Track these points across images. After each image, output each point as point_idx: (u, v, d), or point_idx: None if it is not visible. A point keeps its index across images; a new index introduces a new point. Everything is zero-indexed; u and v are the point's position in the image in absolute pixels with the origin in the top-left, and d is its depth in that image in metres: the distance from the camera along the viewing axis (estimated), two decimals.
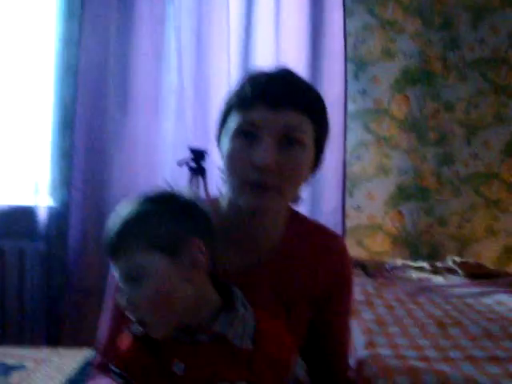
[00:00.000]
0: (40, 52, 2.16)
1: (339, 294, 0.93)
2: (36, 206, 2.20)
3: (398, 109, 2.34)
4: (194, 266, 0.72)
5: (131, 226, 0.71)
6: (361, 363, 1.04)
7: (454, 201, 2.38)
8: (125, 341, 0.76)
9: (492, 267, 2.04)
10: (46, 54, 2.16)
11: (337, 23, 2.13)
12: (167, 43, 2.16)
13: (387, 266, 1.87)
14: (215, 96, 2.10)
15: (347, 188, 2.27)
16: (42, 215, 2.21)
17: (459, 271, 1.84)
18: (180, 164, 1.80)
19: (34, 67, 2.17)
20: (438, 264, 1.95)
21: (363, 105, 2.33)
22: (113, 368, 0.76)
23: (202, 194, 1.67)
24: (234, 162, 0.79)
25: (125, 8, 2.10)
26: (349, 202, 2.29)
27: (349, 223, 2.30)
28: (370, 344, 1.11)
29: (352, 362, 1.07)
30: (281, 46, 2.12)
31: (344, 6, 2.12)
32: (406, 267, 1.88)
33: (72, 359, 1.57)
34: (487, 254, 2.34)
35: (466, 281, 1.75)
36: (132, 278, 0.70)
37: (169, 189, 0.77)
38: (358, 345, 1.12)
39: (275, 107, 0.76)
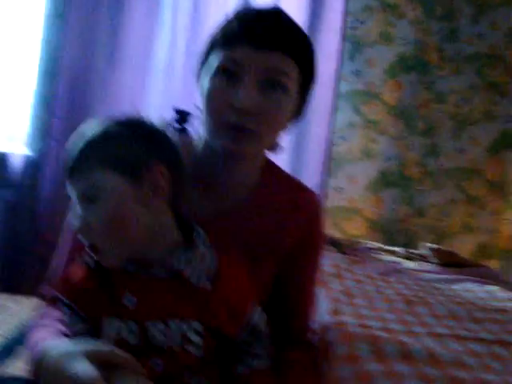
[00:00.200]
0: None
1: (307, 252, 0.91)
2: (10, 153, 2.13)
3: (390, 94, 2.32)
4: (155, 192, 0.68)
5: (93, 144, 0.68)
6: (323, 328, 1.02)
7: (434, 193, 2.37)
8: (76, 272, 0.73)
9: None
10: (33, 2, 2.08)
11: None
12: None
13: (360, 246, 1.86)
14: None
15: (330, 168, 2.24)
16: (16, 163, 2.14)
17: (432, 258, 1.83)
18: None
19: (21, 14, 2.09)
20: (412, 251, 1.95)
21: (355, 86, 2.30)
22: (62, 299, 0.72)
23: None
24: (213, 102, 0.76)
25: None
26: (331, 182, 2.27)
27: (328, 204, 2.28)
28: (335, 311, 1.09)
29: (315, 327, 1.05)
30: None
31: None
32: (379, 250, 1.87)
33: (29, 307, 1.53)
34: (462, 249, 2.34)
35: (437, 268, 1.74)
36: (88, 198, 0.66)
37: (138, 115, 0.74)
38: (323, 311, 1.10)
39: (261, 47, 0.73)
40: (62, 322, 0.74)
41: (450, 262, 1.81)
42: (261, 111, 0.74)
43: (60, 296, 0.72)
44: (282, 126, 0.81)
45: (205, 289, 0.70)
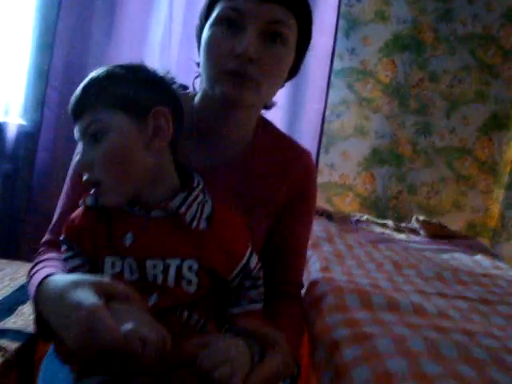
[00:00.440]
0: None
1: (300, 207, 0.94)
2: (5, 122, 2.13)
3: (384, 73, 2.34)
4: (157, 133, 0.71)
5: (99, 83, 0.70)
6: (314, 282, 1.05)
7: (425, 171, 2.41)
8: (77, 213, 0.75)
9: None
10: None
11: None
12: None
13: (352, 218, 1.89)
14: None
15: (323, 144, 2.27)
16: (12, 133, 2.15)
17: (422, 231, 1.87)
18: None
19: None
20: (403, 224, 1.99)
21: (350, 64, 2.32)
22: (62, 238, 0.75)
23: None
24: (213, 49, 0.77)
25: None
26: (323, 158, 2.30)
27: (320, 180, 2.31)
28: (325, 269, 1.13)
29: (306, 283, 1.08)
30: None
31: None
32: (370, 222, 1.90)
33: (26, 271, 1.55)
34: (452, 227, 2.36)
35: (426, 240, 1.78)
36: (92, 134, 0.69)
37: (141, 62, 0.76)
38: (314, 269, 1.13)
39: None
40: (59, 260, 0.77)
41: (439, 234, 1.85)
42: (261, 60, 0.75)
43: (61, 235, 0.75)
44: (279, 80, 0.83)
45: (201, 230, 0.72)
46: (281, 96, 2.01)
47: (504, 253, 2.28)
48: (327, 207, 2.32)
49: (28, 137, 2.16)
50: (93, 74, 0.71)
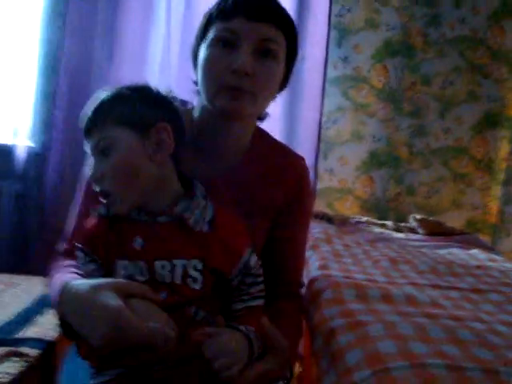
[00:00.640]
0: None
1: (297, 210, 1.00)
2: (15, 145, 2.22)
3: (377, 78, 2.41)
4: (160, 147, 0.78)
5: (106, 103, 0.78)
6: (312, 280, 1.12)
7: (423, 172, 2.47)
8: (91, 222, 0.82)
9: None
10: (31, 1, 2.18)
11: None
12: None
13: (352, 220, 1.95)
14: None
15: (322, 151, 2.34)
16: (21, 155, 2.24)
17: (420, 229, 1.93)
18: None
19: (21, 12, 2.18)
20: (401, 224, 2.05)
21: (343, 71, 2.40)
22: (77, 245, 0.82)
23: None
24: (212, 67, 0.84)
25: None
26: (322, 164, 2.37)
27: (321, 185, 2.38)
28: (324, 267, 1.19)
29: (306, 281, 1.15)
30: None
31: None
32: (369, 223, 1.96)
33: (40, 285, 1.62)
34: (452, 225, 2.43)
35: (424, 237, 1.84)
36: (102, 150, 0.76)
37: (145, 82, 0.84)
38: (313, 268, 1.20)
39: (254, 19, 0.82)
40: (75, 266, 0.84)
41: (437, 231, 1.90)
42: (256, 74, 0.82)
43: (76, 243, 0.82)
44: (272, 92, 0.90)
45: (204, 232, 0.79)
46: (278, 106, 2.09)
47: (505, 248, 2.33)
48: (328, 212, 2.39)
49: (37, 158, 2.25)
50: (102, 95, 0.79)
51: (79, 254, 0.81)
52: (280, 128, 2.23)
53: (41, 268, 2.12)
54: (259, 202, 0.95)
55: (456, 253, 1.58)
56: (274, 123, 2.21)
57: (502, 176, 2.49)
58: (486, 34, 2.44)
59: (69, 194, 2.14)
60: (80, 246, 0.81)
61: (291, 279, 1.01)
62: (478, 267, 1.37)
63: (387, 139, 2.44)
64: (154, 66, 2.21)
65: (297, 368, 1.30)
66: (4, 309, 1.40)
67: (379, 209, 2.46)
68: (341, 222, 1.83)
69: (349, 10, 2.39)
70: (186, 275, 0.77)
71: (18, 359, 1.07)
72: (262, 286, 0.86)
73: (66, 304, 0.75)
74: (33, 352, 1.14)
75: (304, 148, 2.25)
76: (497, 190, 2.50)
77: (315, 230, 1.58)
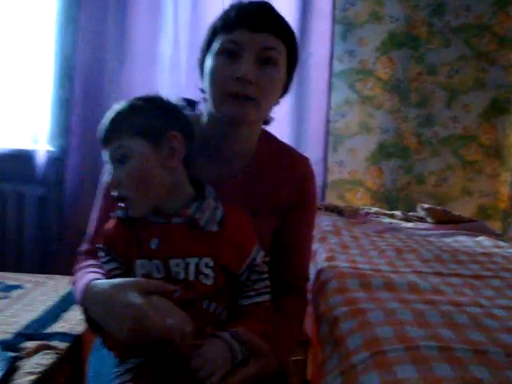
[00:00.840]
0: (41, 6, 2.26)
1: (302, 208, 1.05)
2: (35, 150, 2.32)
3: (383, 70, 2.45)
4: (172, 155, 0.84)
5: (121, 115, 0.84)
6: (319, 271, 1.18)
7: (432, 160, 2.50)
8: (111, 224, 0.90)
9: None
10: (47, 8, 2.26)
11: None
12: None
13: (362, 211, 2.01)
14: None
15: (331, 144, 2.40)
16: (41, 160, 2.33)
17: (428, 218, 1.97)
18: None
19: (36, 20, 2.28)
20: (410, 213, 2.09)
21: (349, 65, 2.44)
22: (99, 245, 0.89)
23: None
24: (217, 76, 0.90)
25: None
26: (332, 157, 2.42)
27: (331, 177, 2.44)
28: (331, 258, 1.25)
29: (313, 272, 1.21)
30: (273, 1, 2.21)
31: None
32: (379, 214, 2.01)
33: (66, 284, 1.72)
34: (462, 212, 2.45)
35: (432, 226, 1.88)
36: (118, 159, 0.83)
37: (157, 93, 0.90)
38: (320, 259, 1.26)
39: (256, 30, 0.88)
40: (97, 266, 0.92)
41: (445, 220, 1.94)
42: (259, 82, 0.88)
43: (98, 244, 0.89)
44: (275, 98, 0.96)
45: (214, 232, 0.85)
46: (286, 102, 2.14)
47: None
48: (340, 203, 2.44)
49: (56, 162, 2.35)
50: (117, 107, 0.86)
51: (101, 253, 0.89)
52: (289, 123, 2.29)
53: (62, 267, 2.24)
54: (266, 202, 1.01)
55: (462, 240, 1.62)
56: (282, 119, 2.28)
57: (511, 162, 2.51)
58: (490, 20, 2.45)
59: (87, 196, 2.26)
60: (101, 246, 0.89)
61: (296, 274, 1.07)
62: (483, 254, 1.41)
63: (395, 130, 2.48)
64: (163, 67, 2.29)
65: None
66: (33, 306, 1.49)
67: (390, 199, 2.50)
68: (351, 214, 1.89)
69: (353, 4, 2.42)
70: (198, 272, 0.83)
71: (49, 352, 1.16)
72: (267, 283, 0.92)
73: (90, 302, 0.83)
74: (62, 345, 1.23)
75: (313, 142, 2.31)
76: (507, 176, 2.52)
77: (324, 222, 1.64)
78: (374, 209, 2.08)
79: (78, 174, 2.28)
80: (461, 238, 1.65)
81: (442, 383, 0.66)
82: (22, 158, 2.34)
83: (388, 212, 2.06)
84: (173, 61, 2.28)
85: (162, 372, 0.81)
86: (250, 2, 0.94)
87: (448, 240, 1.63)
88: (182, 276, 0.83)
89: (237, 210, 0.91)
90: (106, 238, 0.89)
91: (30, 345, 1.19)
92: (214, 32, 0.93)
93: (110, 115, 0.86)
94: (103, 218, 0.95)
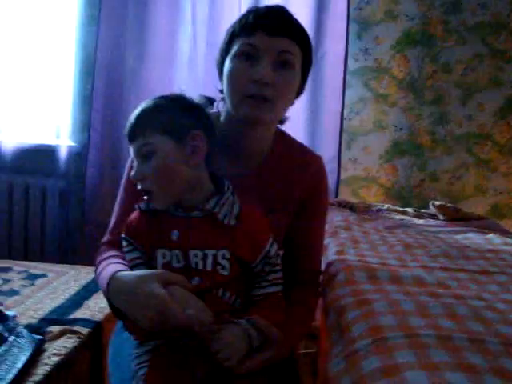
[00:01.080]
0: (64, 5, 2.34)
1: (313, 205, 1.11)
2: (57, 145, 2.41)
3: (398, 68, 2.47)
4: (194, 152, 0.89)
5: (147, 113, 0.90)
6: (329, 264, 1.22)
7: (446, 158, 2.52)
8: (134, 215, 0.96)
9: None
10: (69, 8, 2.34)
11: None
12: None
13: (374, 208, 2.04)
14: None
15: (346, 141, 2.43)
16: (63, 154, 2.42)
17: (439, 215, 2.00)
18: None
19: (58, 19, 2.36)
20: (422, 210, 2.12)
21: (364, 63, 2.46)
22: (123, 235, 0.95)
23: None
24: (236, 79, 0.95)
25: None
26: (346, 154, 2.45)
27: (345, 174, 2.47)
28: (340, 252, 1.29)
29: (324, 265, 1.26)
30: (289, 2, 2.24)
31: None
32: (391, 210, 2.04)
33: (85, 273, 1.80)
34: (476, 211, 2.47)
35: (443, 223, 1.91)
36: (143, 155, 0.88)
37: (181, 93, 0.95)
38: (331, 253, 1.30)
39: (273, 34, 0.93)
40: (119, 257, 0.98)
41: (456, 217, 1.97)
42: (275, 84, 0.93)
43: (121, 234, 0.95)
44: (290, 99, 1.00)
45: (232, 226, 0.90)
46: (302, 100, 2.17)
47: None
48: (353, 200, 2.47)
49: (78, 156, 2.43)
50: (143, 105, 0.91)
51: (124, 243, 0.95)
52: (304, 120, 2.33)
53: (82, 258, 2.32)
54: (280, 198, 1.06)
55: (472, 237, 1.64)
56: (298, 116, 2.32)
57: None
58: (508, 18, 2.45)
59: (107, 189, 2.34)
60: (125, 236, 0.95)
61: (308, 267, 1.12)
62: (491, 251, 1.43)
63: (409, 128, 2.50)
64: (181, 64, 2.35)
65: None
66: (56, 294, 1.57)
67: (403, 196, 2.53)
68: (362, 210, 1.92)
69: (368, 3, 2.45)
70: (216, 263, 0.89)
71: (72, 336, 1.24)
72: (279, 274, 0.97)
73: (114, 292, 0.89)
74: (84, 330, 1.31)
75: (327, 139, 2.35)
76: None
77: (336, 218, 1.68)
78: (386, 205, 2.11)
79: (98, 168, 2.36)
80: (471, 235, 1.68)
81: (438, 367, 0.70)
82: (45, 152, 2.43)
83: (400, 209, 2.09)
84: (191, 58, 2.34)
85: (179, 354, 0.86)
86: (267, 7, 0.99)
87: (458, 237, 1.65)
88: (200, 266, 0.89)
89: (252, 205, 0.96)
90: (130, 228, 0.94)
91: (55, 329, 1.27)
92: (233, 35, 0.97)
93: (136, 113, 0.91)
94: (125, 211, 1.01)
